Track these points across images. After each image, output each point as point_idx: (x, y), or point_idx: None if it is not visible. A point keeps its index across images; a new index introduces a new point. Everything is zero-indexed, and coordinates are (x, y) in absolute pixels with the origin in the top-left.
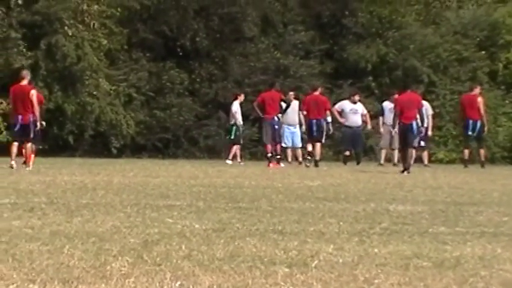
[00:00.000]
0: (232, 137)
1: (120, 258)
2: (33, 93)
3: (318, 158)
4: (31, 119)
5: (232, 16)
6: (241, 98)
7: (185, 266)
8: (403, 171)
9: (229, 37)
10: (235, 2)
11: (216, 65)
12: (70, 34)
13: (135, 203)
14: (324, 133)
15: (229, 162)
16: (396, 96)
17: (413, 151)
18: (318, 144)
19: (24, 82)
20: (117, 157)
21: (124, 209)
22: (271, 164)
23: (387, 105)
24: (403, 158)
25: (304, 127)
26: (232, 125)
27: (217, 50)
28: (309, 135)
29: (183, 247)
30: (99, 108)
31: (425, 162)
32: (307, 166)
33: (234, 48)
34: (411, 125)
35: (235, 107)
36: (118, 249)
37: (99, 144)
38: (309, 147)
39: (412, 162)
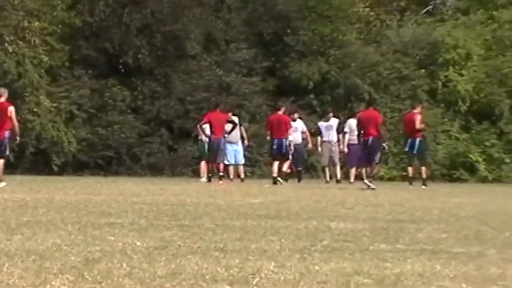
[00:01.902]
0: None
1: (60, 276)
2: (11, 109)
3: (285, 170)
4: (6, 136)
5: (175, 34)
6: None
7: (126, 284)
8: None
9: (172, 55)
10: (178, 20)
11: (159, 83)
12: (10, 51)
13: (76, 221)
14: (288, 152)
15: (203, 180)
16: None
17: (377, 166)
18: (286, 162)
19: (2, 99)
20: (58, 174)
21: (65, 226)
22: (220, 182)
23: (353, 122)
24: (366, 174)
25: (246, 142)
26: (199, 141)
27: (160, 67)
28: (272, 154)
29: (125, 265)
30: (40, 125)
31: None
32: (280, 183)
33: (176, 66)
34: (368, 140)
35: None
36: (59, 267)
37: (40, 162)
38: (275, 166)
39: (367, 177)
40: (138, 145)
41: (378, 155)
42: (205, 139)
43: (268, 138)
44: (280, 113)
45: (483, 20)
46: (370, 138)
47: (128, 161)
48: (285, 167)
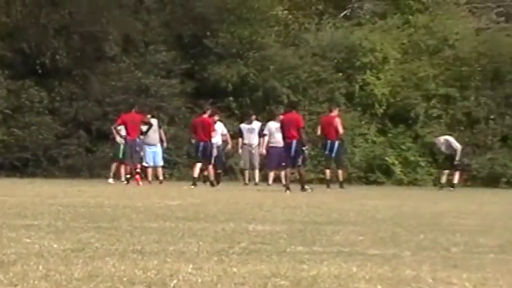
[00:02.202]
0: (121, 156)
1: None
2: None
3: (212, 178)
4: None
5: (94, 35)
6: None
7: (42, 287)
8: (302, 189)
9: (90, 56)
10: (97, 21)
11: (77, 84)
12: None
13: None
14: (213, 155)
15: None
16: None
17: (299, 169)
18: (210, 167)
19: None
20: None
21: None
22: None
23: (273, 125)
24: (285, 177)
25: (165, 145)
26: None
27: (78, 68)
28: (196, 157)
29: (41, 267)
30: None
31: (284, 181)
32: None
33: (95, 67)
34: (291, 143)
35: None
36: None
37: None
38: (197, 168)
39: (288, 181)
40: (56, 147)
41: (301, 157)
42: (120, 140)
43: (194, 141)
44: (205, 116)
45: (400, 25)
46: (294, 141)
47: (45, 163)
48: (211, 171)
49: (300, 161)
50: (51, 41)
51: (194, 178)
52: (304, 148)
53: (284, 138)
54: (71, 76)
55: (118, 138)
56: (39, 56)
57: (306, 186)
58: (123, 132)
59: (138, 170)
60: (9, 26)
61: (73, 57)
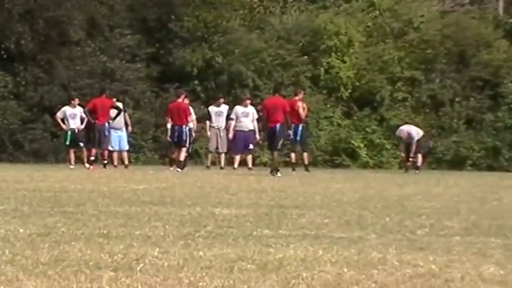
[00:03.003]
0: (67, 143)
1: None
2: None
3: (182, 159)
4: None
5: (58, 20)
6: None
7: (9, 271)
8: (271, 172)
9: (55, 41)
10: (61, 6)
11: (42, 69)
12: None
13: None
14: (187, 139)
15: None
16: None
17: (276, 153)
18: (183, 149)
19: None
20: None
21: None
22: (91, 167)
23: (239, 109)
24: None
25: (130, 129)
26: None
27: (42, 53)
28: (173, 142)
29: (7, 252)
30: None
31: (250, 165)
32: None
33: (60, 52)
34: (275, 127)
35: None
36: None
37: None
38: (182, 153)
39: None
40: (21, 131)
41: (281, 141)
42: (66, 127)
43: (169, 125)
44: (179, 100)
45: (364, 8)
46: (278, 125)
47: (10, 148)
48: (182, 155)
49: (280, 144)
50: (16, 26)
51: (180, 162)
52: (289, 132)
53: (267, 122)
54: (35, 61)
55: (64, 126)
56: (3, 41)
57: (277, 172)
58: (72, 121)
59: (105, 161)
60: None
61: (38, 42)
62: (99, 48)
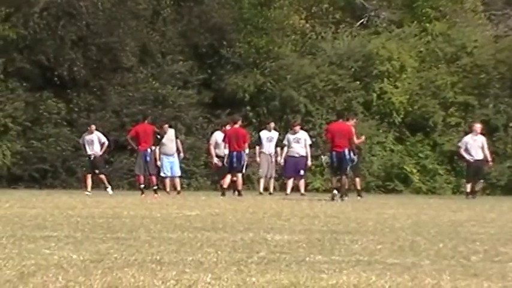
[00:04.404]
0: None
1: None
2: None
3: (239, 188)
4: None
5: (110, 46)
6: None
7: None
8: (341, 197)
9: (107, 67)
10: (113, 33)
11: (94, 95)
12: None
13: (11, 234)
14: (244, 164)
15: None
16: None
17: (345, 177)
18: (239, 175)
19: None
20: None
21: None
22: (156, 195)
23: (291, 135)
24: (340, 185)
25: (182, 155)
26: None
27: (95, 79)
28: (230, 167)
29: (60, 278)
30: None
31: (302, 191)
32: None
33: (112, 78)
34: (343, 152)
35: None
36: None
37: None
38: (227, 178)
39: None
40: (74, 158)
41: (348, 167)
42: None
43: (227, 151)
44: (236, 126)
45: (417, 33)
46: (345, 150)
47: (63, 174)
48: (240, 181)
49: (349, 169)
50: (69, 53)
51: (224, 188)
52: (354, 158)
53: (333, 146)
54: (88, 87)
55: (85, 152)
56: (56, 68)
57: (346, 196)
58: (88, 148)
59: (154, 187)
60: (27, 38)
61: (90, 69)
62: (151, 74)
